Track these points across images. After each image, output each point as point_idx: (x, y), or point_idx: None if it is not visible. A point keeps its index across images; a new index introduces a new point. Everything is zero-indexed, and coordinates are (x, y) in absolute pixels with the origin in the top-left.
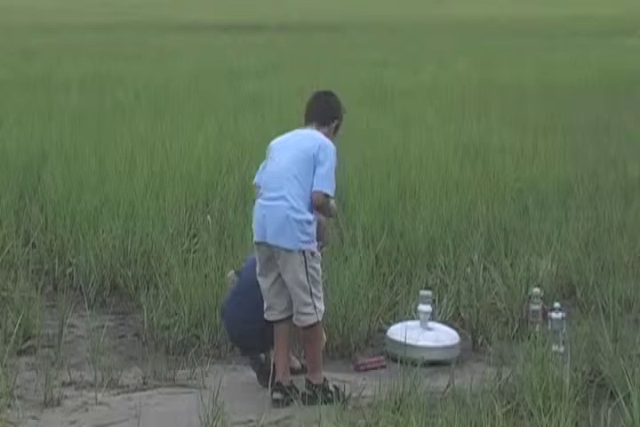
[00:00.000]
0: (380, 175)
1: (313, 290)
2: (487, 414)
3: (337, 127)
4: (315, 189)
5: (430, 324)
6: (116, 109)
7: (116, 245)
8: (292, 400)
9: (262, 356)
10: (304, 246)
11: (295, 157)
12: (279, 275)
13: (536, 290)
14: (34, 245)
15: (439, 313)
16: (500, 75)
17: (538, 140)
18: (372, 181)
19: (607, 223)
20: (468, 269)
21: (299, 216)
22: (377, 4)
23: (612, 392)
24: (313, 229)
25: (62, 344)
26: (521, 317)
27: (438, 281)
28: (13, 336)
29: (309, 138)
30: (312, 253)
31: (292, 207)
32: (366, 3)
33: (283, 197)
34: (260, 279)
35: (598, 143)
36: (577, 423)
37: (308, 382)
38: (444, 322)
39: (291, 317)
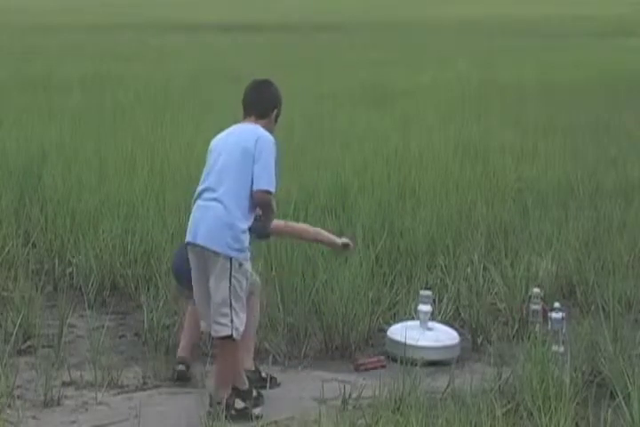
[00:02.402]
0: (380, 175)
1: (233, 303)
2: (487, 415)
3: (277, 116)
4: (255, 188)
5: (430, 324)
6: (116, 109)
7: (115, 245)
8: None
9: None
10: (232, 253)
11: (233, 157)
12: (206, 282)
13: (536, 290)
14: (34, 245)
15: (439, 313)
16: (500, 75)
17: (538, 140)
18: (372, 181)
19: (607, 223)
20: (468, 269)
21: (232, 221)
22: (377, 4)
23: (612, 392)
24: (246, 238)
25: (62, 344)
26: (521, 317)
27: (438, 281)
28: (13, 336)
29: (247, 134)
30: (240, 265)
31: (227, 211)
32: (366, 3)
33: (218, 200)
34: (194, 287)
35: (598, 143)
36: (577, 423)
37: (210, 398)
38: (444, 322)
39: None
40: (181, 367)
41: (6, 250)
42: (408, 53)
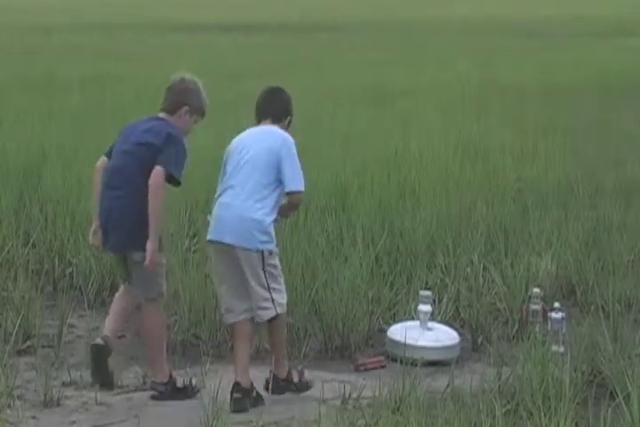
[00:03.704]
0: (380, 175)
1: (271, 284)
2: (487, 415)
3: (289, 123)
4: (290, 189)
5: (430, 324)
6: (116, 109)
7: None
8: (253, 401)
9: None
10: (261, 246)
11: (258, 156)
12: (237, 276)
13: (536, 290)
14: (34, 245)
15: (439, 313)
16: (500, 75)
17: (538, 140)
18: (372, 181)
19: (607, 223)
20: (468, 269)
21: (259, 217)
22: (377, 4)
23: (611, 392)
24: (272, 229)
25: (62, 344)
26: (521, 317)
27: (438, 281)
28: (13, 336)
29: (271, 134)
30: (270, 252)
31: (253, 208)
32: (366, 3)
33: (249, 196)
34: (216, 280)
35: (598, 143)
36: (577, 423)
37: (274, 375)
38: (444, 322)
39: (251, 319)
40: (99, 341)
41: (6, 250)
42: (408, 53)
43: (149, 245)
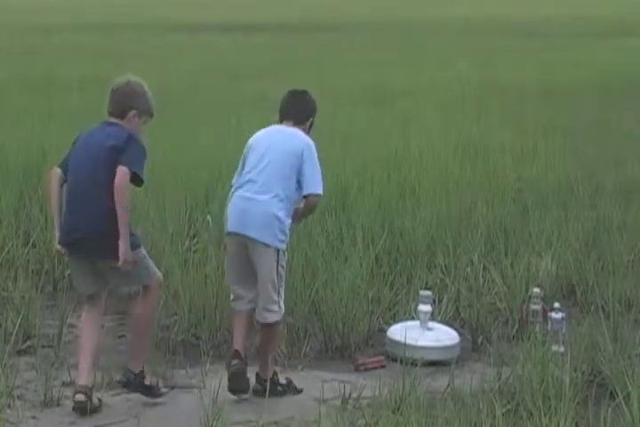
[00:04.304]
0: (380, 175)
1: (279, 289)
2: (487, 415)
3: (311, 125)
4: (309, 191)
5: (430, 324)
6: None
7: None
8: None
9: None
10: (279, 245)
11: (280, 157)
12: (250, 267)
13: (536, 290)
14: (34, 245)
15: (439, 313)
16: (500, 75)
17: (538, 140)
18: (372, 181)
19: (607, 223)
20: (468, 269)
21: (282, 216)
22: (377, 4)
23: (611, 392)
24: (288, 231)
25: (62, 344)
26: (521, 317)
27: (438, 281)
28: (13, 336)
29: (293, 136)
30: (284, 253)
31: (277, 207)
32: (366, 3)
33: (273, 195)
34: (231, 271)
35: (598, 143)
36: (577, 423)
37: (258, 376)
38: (444, 322)
39: (253, 309)
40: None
41: (6, 250)
42: (408, 53)
43: (121, 246)
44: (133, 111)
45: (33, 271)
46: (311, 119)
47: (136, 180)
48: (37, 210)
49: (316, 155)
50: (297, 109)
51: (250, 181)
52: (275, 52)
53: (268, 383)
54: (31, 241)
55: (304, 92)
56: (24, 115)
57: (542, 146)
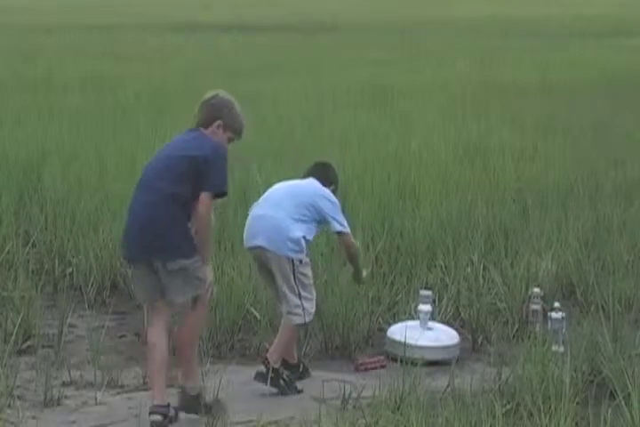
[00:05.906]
0: (380, 175)
1: (301, 292)
2: (487, 414)
3: (334, 192)
4: (336, 229)
5: (430, 324)
6: (116, 109)
7: (115, 245)
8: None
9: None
10: (292, 255)
11: (294, 190)
12: (273, 281)
13: (536, 290)
14: (34, 245)
15: (439, 313)
16: (500, 75)
17: (538, 140)
18: (372, 181)
19: (607, 223)
20: (468, 269)
21: (292, 227)
22: (377, 4)
23: (612, 392)
24: (303, 242)
25: (62, 344)
26: (521, 317)
27: (438, 281)
28: (13, 336)
29: (310, 183)
30: (300, 261)
31: (290, 222)
32: (366, 3)
33: (284, 213)
34: (267, 288)
35: (598, 143)
36: (577, 423)
37: (266, 360)
38: (444, 322)
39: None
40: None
41: (6, 250)
42: (408, 53)
43: (207, 273)
44: (218, 122)
45: (33, 271)
46: (333, 185)
47: (220, 195)
48: (37, 210)
49: (332, 198)
50: (320, 175)
51: (259, 204)
52: (274, 51)
53: (270, 371)
54: (31, 241)
55: (329, 164)
56: (24, 115)
57: (542, 146)
